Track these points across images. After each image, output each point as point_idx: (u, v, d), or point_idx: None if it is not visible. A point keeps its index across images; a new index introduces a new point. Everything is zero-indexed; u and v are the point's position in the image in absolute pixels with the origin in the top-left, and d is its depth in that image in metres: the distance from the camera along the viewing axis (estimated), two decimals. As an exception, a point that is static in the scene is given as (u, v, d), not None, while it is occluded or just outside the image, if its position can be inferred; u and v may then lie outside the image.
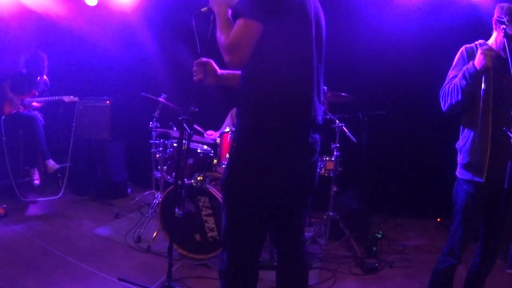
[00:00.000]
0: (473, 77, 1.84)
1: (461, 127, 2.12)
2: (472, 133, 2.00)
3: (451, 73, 2.07)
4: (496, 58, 1.80)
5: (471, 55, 2.00)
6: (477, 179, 1.97)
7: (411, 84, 4.25)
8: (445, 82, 2.06)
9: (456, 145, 2.14)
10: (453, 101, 1.96)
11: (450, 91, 1.97)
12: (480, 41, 2.05)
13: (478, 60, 1.81)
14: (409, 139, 4.33)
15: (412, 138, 4.33)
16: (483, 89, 1.83)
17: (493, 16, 1.98)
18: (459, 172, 2.10)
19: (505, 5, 1.93)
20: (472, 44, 2.05)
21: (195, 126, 4.01)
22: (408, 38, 4.17)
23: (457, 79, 1.94)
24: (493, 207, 1.98)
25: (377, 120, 3.70)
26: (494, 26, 1.99)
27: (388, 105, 3.89)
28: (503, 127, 1.81)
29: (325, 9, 1.79)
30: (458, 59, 2.07)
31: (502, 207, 1.85)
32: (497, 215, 1.94)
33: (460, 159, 2.10)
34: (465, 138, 2.05)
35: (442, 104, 2.06)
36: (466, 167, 2.03)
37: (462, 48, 2.06)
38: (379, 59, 4.23)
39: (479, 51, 1.82)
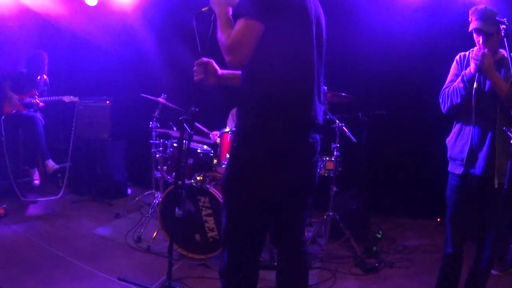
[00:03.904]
0: (469, 80, 2.05)
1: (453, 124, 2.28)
2: (457, 128, 2.19)
3: (448, 79, 2.27)
4: (485, 56, 1.97)
5: (464, 61, 2.18)
6: (456, 171, 2.17)
7: (411, 84, 4.24)
8: (444, 87, 2.23)
9: (446, 140, 2.30)
10: (454, 103, 2.13)
11: (450, 94, 2.16)
12: (474, 48, 2.16)
13: (471, 65, 2.06)
14: (409, 139, 4.33)
15: (412, 138, 4.33)
16: (475, 88, 2.04)
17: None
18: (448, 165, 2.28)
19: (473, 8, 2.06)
20: (466, 52, 2.21)
21: (200, 127, 4.00)
22: (408, 38, 4.17)
23: (456, 83, 2.13)
24: (482, 203, 2.12)
25: (377, 120, 3.70)
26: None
27: (388, 105, 3.89)
28: (504, 127, 1.90)
29: (325, 9, 1.79)
30: (454, 66, 2.26)
31: (502, 207, 1.92)
32: (489, 213, 2.09)
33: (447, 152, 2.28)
34: (451, 133, 2.24)
35: (442, 107, 2.23)
36: (450, 159, 2.24)
37: (457, 56, 2.25)
38: (379, 59, 4.23)
39: (471, 60, 2.05)
